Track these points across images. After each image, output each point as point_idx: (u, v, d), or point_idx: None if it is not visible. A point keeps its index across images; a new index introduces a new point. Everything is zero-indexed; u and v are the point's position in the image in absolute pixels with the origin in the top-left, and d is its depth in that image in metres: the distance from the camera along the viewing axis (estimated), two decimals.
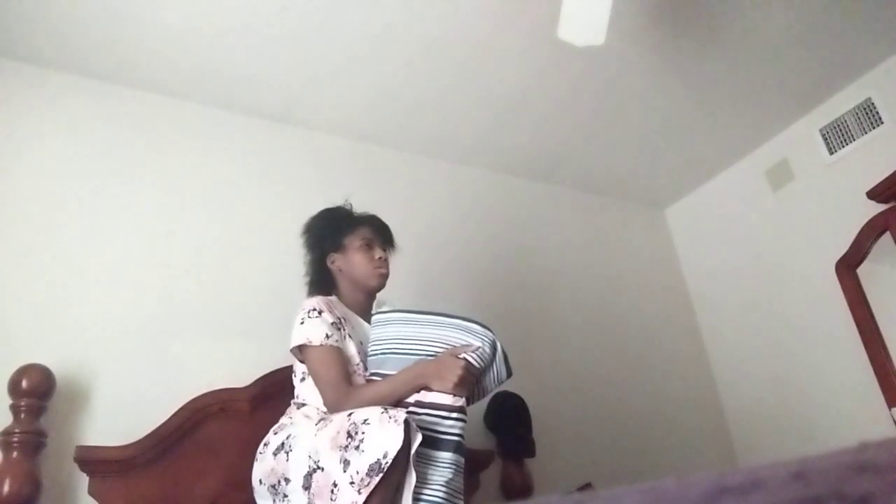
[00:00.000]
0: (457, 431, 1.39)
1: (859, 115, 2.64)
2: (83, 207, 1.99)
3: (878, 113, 2.57)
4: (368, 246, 1.72)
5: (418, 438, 1.27)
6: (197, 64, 2.16)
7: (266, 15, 2.00)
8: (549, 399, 2.53)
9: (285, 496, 1.37)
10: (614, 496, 0.40)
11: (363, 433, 1.26)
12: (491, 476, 2.18)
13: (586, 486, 2.30)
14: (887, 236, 2.44)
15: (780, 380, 2.83)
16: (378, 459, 1.22)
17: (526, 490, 2.17)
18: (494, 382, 1.60)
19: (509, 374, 1.62)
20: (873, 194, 2.47)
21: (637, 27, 2.23)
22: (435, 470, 1.35)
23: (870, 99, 2.60)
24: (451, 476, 1.36)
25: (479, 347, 1.51)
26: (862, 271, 2.53)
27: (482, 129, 2.68)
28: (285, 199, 2.30)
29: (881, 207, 2.48)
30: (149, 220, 2.08)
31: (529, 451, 2.24)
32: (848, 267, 2.56)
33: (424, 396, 1.43)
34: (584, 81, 2.48)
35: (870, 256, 2.51)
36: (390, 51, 2.21)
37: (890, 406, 2.36)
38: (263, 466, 1.46)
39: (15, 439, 1.53)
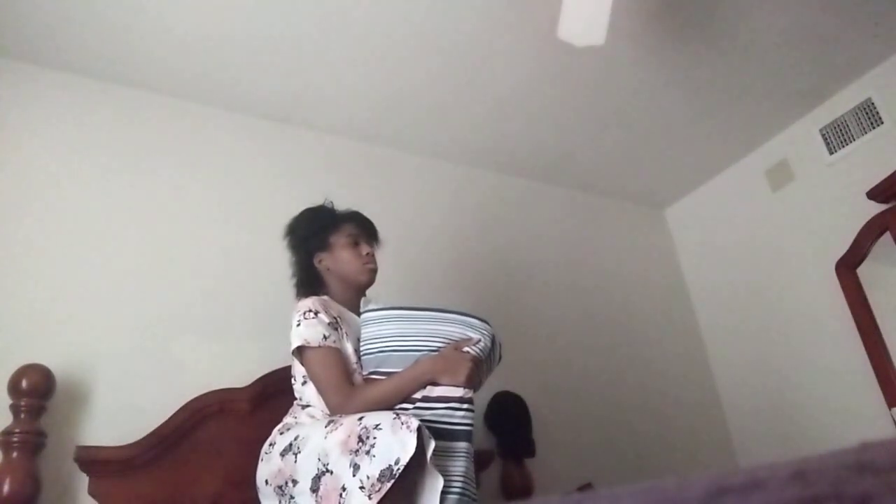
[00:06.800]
0: (469, 421, 1.41)
1: (859, 115, 2.64)
2: (83, 207, 1.99)
3: (878, 113, 2.57)
4: (355, 242, 1.72)
5: (432, 445, 1.26)
6: (198, 64, 2.16)
7: (268, 15, 2.00)
8: (549, 399, 2.53)
9: (292, 498, 1.37)
10: (614, 496, 0.40)
11: (375, 438, 1.24)
12: (491, 476, 2.18)
13: (586, 486, 2.30)
14: (887, 236, 2.44)
15: (779, 379, 2.83)
16: (390, 465, 1.20)
17: (526, 490, 2.17)
18: (487, 373, 1.62)
19: (499, 360, 1.65)
20: (873, 194, 2.47)
21: (637, 27, 2.23)
22: (454, 461, 1.36)
23: (870, 99, 2.60)
24: (466, 465, 1.37)
25: (480, 340, 1.53)
26: (862, 271, 2.53)
27: (482, 129, 2.68)
28: (285, 199, 2.28)
29: (881, 207, 2.48)
30: (148, 220, 2.08)
31: (529, 451, 2.24)
32: (848, 267, 2.56)
33: (431, 391, 1.43)
34: (584, 82, 2.48)
35: (870, 256, 2.51)
36: (390, 51, 2.20)
37: (890, 406, 2.36)
38: (270, 467, 1.45)
39: (15, 439, 1.53)
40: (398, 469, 1.20)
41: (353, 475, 1.24)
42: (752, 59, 2.46)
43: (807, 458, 0.37)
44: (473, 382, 1.47)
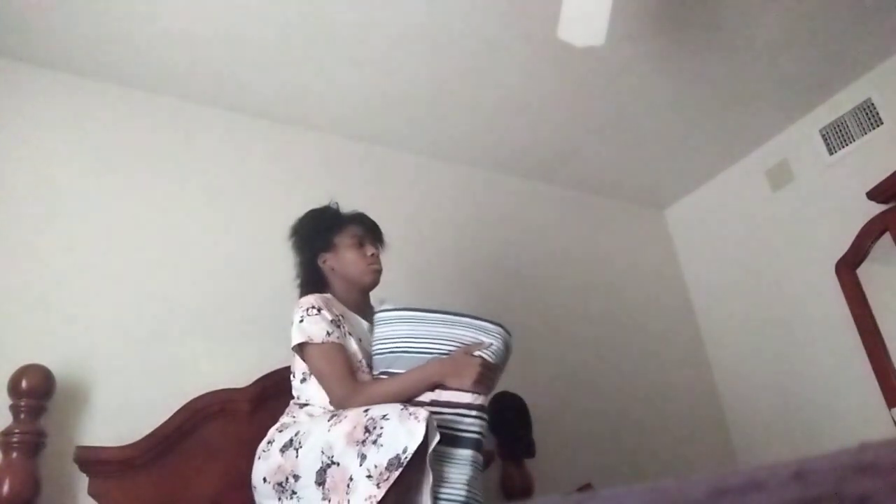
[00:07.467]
0: (477, 429, 1.39)
1: (859, 115, 2.64)
2: (83, 207, 1.99)
3: (878, 113, 2.58)
4: (360, 243, 1.72)
5: (436, 438, 1.25)
6: (196, 64, 2.16)
7: (266, 14, 2.00)
8: (549, 399, 2.52)
9: (294, 493, 1.36)
10: (614, 496, 0.40)
11: (382, 428, 1.24)
12: (491, 476, 2.18)
13: (586, 486, 2.30)
14: (887, 236, 2.44)
15: (780, 380, 2.83)
16: (398, 454, 1.20)
17: (526, 490, 2.17)
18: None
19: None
20: (873, 194, 2.47)
21: (637, 27, 2.23)
22: (455, 468, 1.34)
23: (870, 99, 2.60)
24: (471, 474, 1.35)
25: (492, 344, 1.51)
26: (862, 271, 2.53)
27: (482, 129, 2.68)
28: (285, 199, 2.29)
29: (881, 207, 2.48)
30: (149, 220, 2.08)
31: (529, 451, 2.23)
32: (848, 267, 2.56)
33: (440, 395, 1.42)
34: (584, 82, 2.48)
35: (870, 256, 2.51)
36: (390, 50, 2.20)
37: (890, 406, 2.36)
38: (268, 464, 1.44)
39: (15, 439, 1.53)
40: (406, 458, 1.20)
41: (360, 465, 1.23)
42: (752, 59, 2.46)
43: (807, 458, 0.37)
44: (482, 386, 1.45)
